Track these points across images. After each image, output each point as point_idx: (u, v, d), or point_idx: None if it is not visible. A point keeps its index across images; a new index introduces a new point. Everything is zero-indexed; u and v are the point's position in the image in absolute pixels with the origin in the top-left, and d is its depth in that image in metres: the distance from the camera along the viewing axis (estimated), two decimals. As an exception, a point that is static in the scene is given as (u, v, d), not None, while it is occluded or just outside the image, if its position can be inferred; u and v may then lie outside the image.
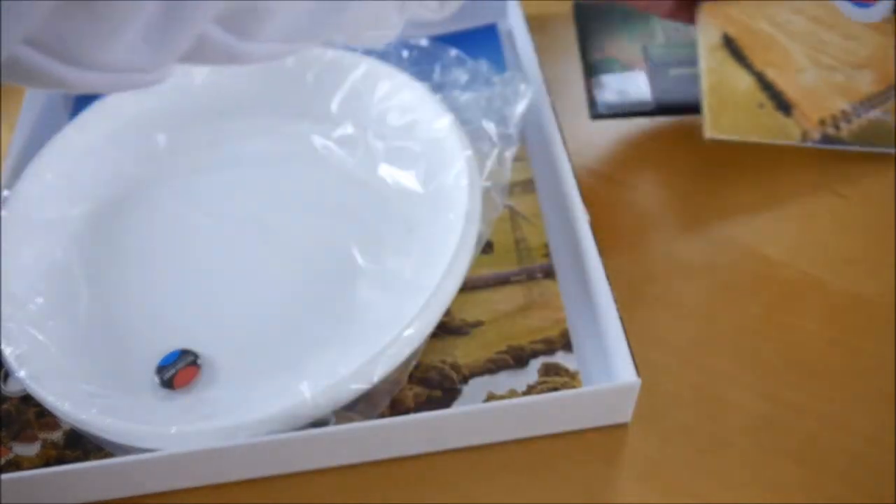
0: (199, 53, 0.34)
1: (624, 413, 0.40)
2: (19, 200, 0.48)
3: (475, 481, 0.40)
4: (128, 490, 0.40)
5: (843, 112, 0.50)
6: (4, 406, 0.43)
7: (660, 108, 0.55)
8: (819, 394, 0.41)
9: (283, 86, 0.55)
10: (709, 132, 0.50)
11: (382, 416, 0.41)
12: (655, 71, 0.57)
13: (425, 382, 0.42)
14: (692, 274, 0.47)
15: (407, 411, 0.41)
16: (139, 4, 0.30)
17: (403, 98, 0.52)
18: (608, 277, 0.42)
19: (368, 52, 0.54)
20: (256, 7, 0.34)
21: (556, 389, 0.41)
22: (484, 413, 0.39)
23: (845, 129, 0.50)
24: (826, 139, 0.50)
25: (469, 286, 0.46)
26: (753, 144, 0.50)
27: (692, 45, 0.53)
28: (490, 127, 0.50)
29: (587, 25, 0.61)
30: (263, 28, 0.36)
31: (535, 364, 0.42)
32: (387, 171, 0.50)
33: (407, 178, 0.49)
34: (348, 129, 0.53)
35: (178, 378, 0.42)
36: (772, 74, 0.51)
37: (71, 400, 0.40)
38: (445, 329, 0.44)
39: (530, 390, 0.41)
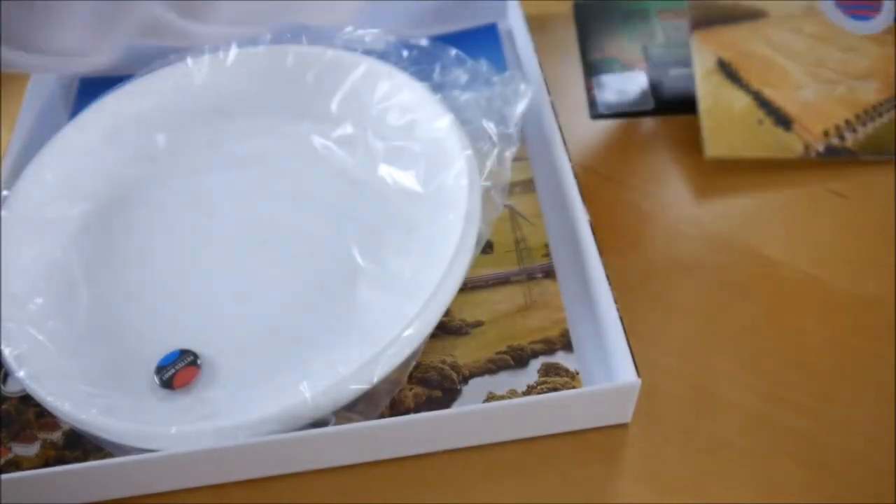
0: (152, 32, 0.34)
1: (624, 413, 0.40)
2: (19, 200, 0.48)
3: (475, 481, 0.40)
4: (127, 490, 0.40)
5: (847, 122, 0.50)
6: (4, 406, 0.43)
7: (660, 108, 0.55)
8: (819, 394, 0.41)
9: (283, 86, 0.55)
10: (709, 152, 0.50)
11: (382, 416, 0.41)
12: (655, 71, 0.57)
13: (425, 382, 0.42)
14: (692, 274, 0.47)
15: (407, 411, 0.41)
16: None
17: (403, 98, 0.52)
18: (608, 277, 0.42)
19: (368, 52, 0.54)
20: None
21: (556, 389, 0.41)
22: (484, 413, 0.39)
23: (850, 139, 0.50)
24: (831, 150, 0.50)
25: (469, 286, 0.46)
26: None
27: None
28: (490, 127, 0.50)
29: (587, 25, 0.61)
30: (214, 11, 0.35)
31: (535, 364, 0.42)
32: (387, 171, 0.50)
33: (407, 178, 0.49)
34: (348, 129, 0.53)
35: (177, 378, 0.42)
36: (769, 93, 0.51)
37: (70, 400, 0.40)
38: (445, 329, 0.44)
39: (530, 390, 0.41)
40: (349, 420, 0.40)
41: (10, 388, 0.44)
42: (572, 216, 0.47)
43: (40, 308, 0.45)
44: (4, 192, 0.49)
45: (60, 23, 0.30)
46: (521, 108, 0.51)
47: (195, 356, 0.43)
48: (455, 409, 0.41)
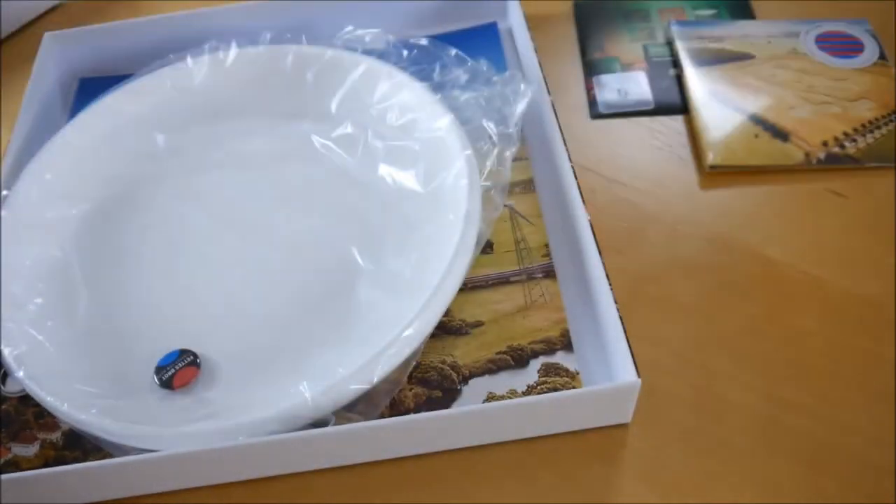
0: None
1: (624, 413, 0.40)
2: (19, 200, 0.48)
3: (475, 481, 0.40)
4: (127, 490, 0.40)
5: (846, 134, 0.50)
6: (3, 406, 0.43)
7: (660, 108, 0.55)
8: (819, 394, 0.41)
9: (283, 86, 0.55)
10: (709, 162, 0.50)
11: (382, 416, 0.41)
12: (655, 70, 0.57)
13: (425, 382, 0.42)
14: (692, 274, 0.46)
15: (407, 411, 0.41)
16: None
17: (403, 98, 0.52)
18: (608, 277, 0.42)
19: (368, 52, 0.54)
20: None
21: (556, 389, 0.41)
22: (484, 413, 0.39)
23: (852, 148, 0.50)
24: (832, 158, 0.50)
25: (469, 286, 0.46)
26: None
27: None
28: (490, 126, 0.50)
29: (587, 25, 0.61)
30: None
31: (535, 364, 0.42)
32: (387, 171, 0.50)
33: (407, 178, 0.49)
34: (348, 129, 0.53)
35: (177, 378, 0.42)
36: (763, 113, 0.52)
37: (70, 400, 0.39)
38: (445, 329, 0.44)
39: (530, 390, 0.41)
40: (349, 420, 0.40)
41: (10, 388, 0.44)
42: (572, 216, 0.47)
43: (40, 308, 0.45)
44: (4, 192, 0.49)
45: None
46: (521, 107, 0.51)
47: (195, 356, 0.43)
48: (455, 409, 0.41)
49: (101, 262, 0.48)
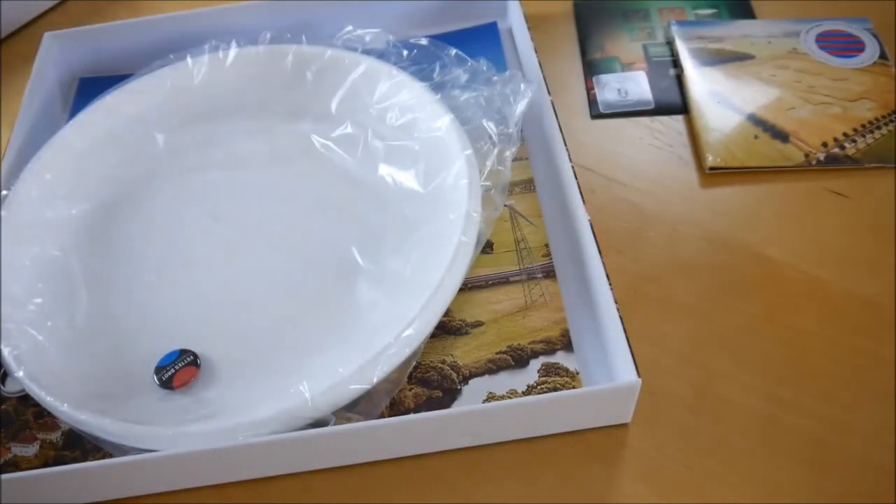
0: None
1: (624, 413, 0.40)
2: (19, 200, 0.48)
3: (475, 481, 0.40)
4: (127, 490, 0.40)
5: (846, 135, 0.50)
6: (3, 406, 0.43)
7: (660, 108, 0.55)
8: (819, 394, 0.41)
9: (282, 86, 0.55)
10: (709, 164, 0.50)
11: (382, 416, 0.41)
12: (655, 70, 0.57)
13: (425, 382, 0.42)
14: (692, 274, 0.46)
15: (407, 411, 0.41)
16: None
17: (403, 97, 0.52)
18: (608, 277, 0.42)
19: (368, 52, 0.54)
20: None
21: (556, 389, 0.41)
22: (484, 413, 0.39)
23: (851, 148, 0.50)
24: (832, 159, 0.50)
25: (469, 286, 0.46)
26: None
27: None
28: (490, 126, 0.50)
29: (587, 25, 0.61)
30: None
31: (535, 364, 0.42)
32: (387, 171, 0.50)
33: (407, 178, 0.49)
34: (348, 129, 0.53)
35: (177, 378, 0.42)
36: (762, 113, 0.52)
37: (69, 400, 0.39)
38: (445, 329, 0.44)
39: (530, 390, 0.41)
40: (349, 420, 0.40)
41: (10, 388, 0.44)
42: (572, 216, 0.47)
43: (39, 308, 0.45)
44: (4, 192, 0.49)
45: None
46: (521, 107, 0.51)
47: (195, 356, 0.43)
48: (455, 409, 0.41)
49: (100, 262, 0.48)
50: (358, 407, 0.40)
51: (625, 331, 0.39)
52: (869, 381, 0.41)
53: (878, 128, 0.51)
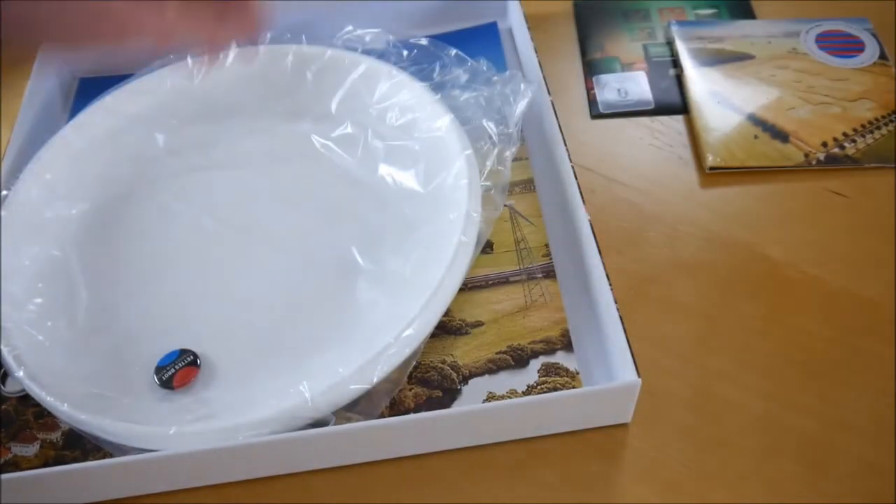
0: None
1: (624, 413, 0.40)
2: (19, 200, 0.48)
3: (475, 481, 0.40)
4: (127, 490, 0.40)
5: (846, 134, 0.50)
6: (3, 406, 0.43)
7: (660, 108, 0.55)
8: (819, 394, 0.41)
9: (283, 86, 0.55)
10: (709, 164, 0.50)
11: (382, 416, 0.41)
12: (655, 70, 0.57)
13: (425, 382, 0.42)
14: (692, 274, 0.46)
15: (407, 411, 0.41)
16: None
17: (403, 97, 0.52)
18: (608, 277, 0.41)
19: (368, 52, 0.54)
20: None
21: (556, 389, 0.41)
22: (484, 413, 0.39)
23: (851, 148, 0.50)
24: (832, 159, 0.50)
25: (469, 286, 0.46)
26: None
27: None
28: (490, 126, 0.50)
29: (587, 25, 0.61)
30: None
31: (535, 364, 0.42)
32: (387, 171, 0.50)
33: (407, 178, 0.49)
34: (348, 129, 0.53)
35: (177, 378, 0.42)
36: (762, 113, 0.52)
37: (70, 400, 0.39)
38: (445, 329, 0.44)
39: (530, 390, 0.41)
40: (349, 420, 0.40)
41: (10, 388, 0.44)
42: (572, 216, 0.47)
43: (39, 308, 0.45)
44: (4, 192, 0.49)
45: None
46: (521, 107, 0.51)
47: (195, 356, 0.43)
48: (455, 409, 0.41)
49: (100, 263, 0.48)
50: (358, 407, 0.40)
51: (625, 331, 0.39)
52: (869, 381, 0.41)
53: (878, 128, 0.51)
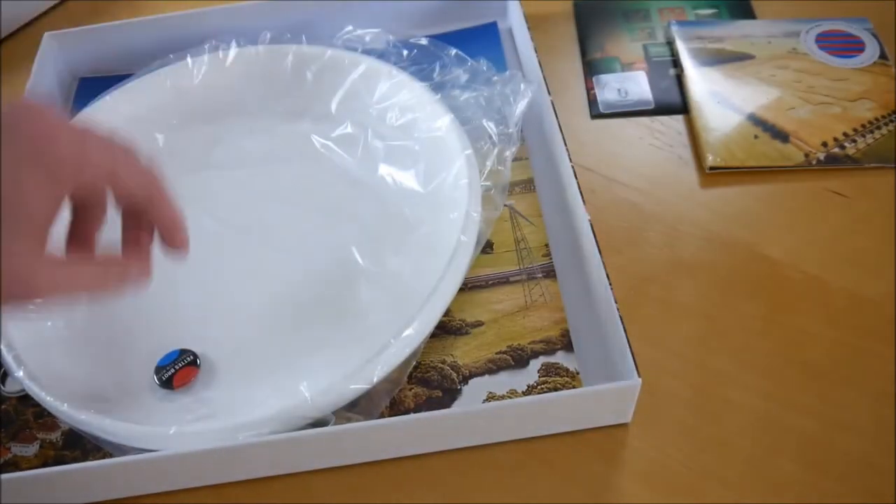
0: None
1: (624, 413, 0.40)
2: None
3: (475, 481, 0.40)
4: (127, 490, 0.40)
5: (846, 134, 0.50)
6: (3, 406, 0.43)
7: (660, 108, 0.55)
8: (819, 394, 0.41)
9: (283, 85, 0.55)
10: (709, 163, 0.50)
11: (382, 416, 0.41)
12: (655, 70, 0.57)
13: (425, 382, 0.42)
14: (692, 274, 0.46)
15: (407, 411, 0.41)
16: None
17: (403, 97, 0.52)
18: (608, 277, 0.41)
19: (368, 52, 0.54)
20: None
21: (556, 389, 0.41)
22: (484, 413, 0.39)
23: (851, 148, 0.50)
24: (832, 159, 0.50)
25: (469, 286, 0.46)
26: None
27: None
28: (490, 126, 0.50)
29: (587, 25, 0.61)
30: None
31: (535, 364, 0.42)
32: (387, 171, 0.50)
33: (407, 178, 0.49)
34: (348, 129, 0.53)
35: (177, 378, 0.42)
36: (762, 113, 0.52)
37: (69, 400, 0.39)
38: (445, 329, 0.44)
39: (530, 390, 0.41)
40: (349, 420, 0.40)
41: (10, 388, 0.44)
42: (572, 216, 0.47)
43: (39, 308, 0.45)
44: (4, 192, 0.48)
45: None
46: (521, 107, 0.51)
47: (195, 356, 0.43)
48: (455, 409, 0.41)
49: (100, 262, 0.48)
50: (358, 407, 0.40)
51: (625, 331, 0.39)
52: (869, 381, 0.41)
53: (878, 128, 0.51)
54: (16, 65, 0.64)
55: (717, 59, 0.56)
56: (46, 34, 0.60)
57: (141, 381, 0.42)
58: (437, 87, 0.53)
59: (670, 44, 0.58)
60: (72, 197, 0.36)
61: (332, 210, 0.49)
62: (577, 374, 0.42)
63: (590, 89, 0.57)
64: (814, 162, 0.50)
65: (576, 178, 0.46)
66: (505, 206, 0.48)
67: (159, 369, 0.42)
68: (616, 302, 0.41)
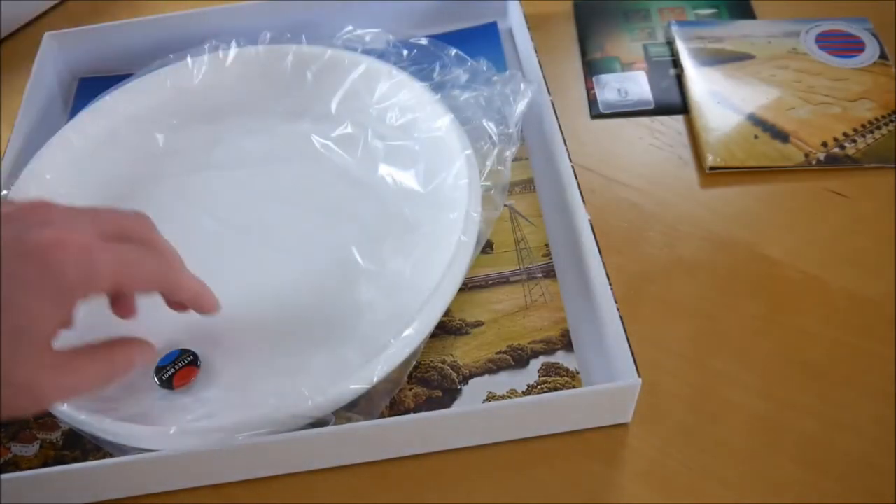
0: None
1: (624, 413, 0.40)
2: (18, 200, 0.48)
3: (475, 481, 0.40)
4: (128, 490, 0.40)
5: (846, 134, 0.50)
6: (4, 406, 0.43)
7: (660, 108, 0.55)
8: (819, 394, 0.41)
9: (283, 86, 0.55)
10: (709, 163, 0.50)
11: (382, 416, 0.41)
12: (655, 70, 0.57)
13: (425, 382, 0.42)
14: (692, 274, 0.46)
15: (407, 411, 0.41)
16: None
17: (403, 97, 0.52)
18: (608, 277, 0.41)
19: (368, 52, 0.54)
20: None
21: (556, 389, 0.41)
22: (484, 413, 0.39)
23: (851, 148, 0.50)
24: (832, 159, 0.50)
25: (469, 286, 0.46)
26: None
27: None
28: (490, 126, 0.50)
29: (587, 25, 0.61)
30: None
31: (535, 364, 0.42)
32: (387, 171, 0.50)
33: (407, 178, 0.49)
34: (348, 129, 0.53)
35: (177, 378, 0.42)
36: (762, 113, 0.52)
37: (70, 400, 0.39)
38: (445, 329, 0.44)
39: (530, 390, 0.41)
40: (349, 420, 0.40)
41: (10, 388, 0.44)
42: (572, 216, 0.47)
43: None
44: (4, 192, 0.49)
45: None
46: (521, 107, 0.51)
47: (195, 356, 0.43)
48: (455, 409, 0.41)
49: (100, 262, 0.48)
50: (358, 407, 0.40)
51: (625, 331, 0.39)
52: (869, 381, 0.41)
53: (878, 128, 0.51)
54: (16, 65, 0.64)
55: (717, 59, 0.56)
56: (46, 34, 0.60)
57: (141, 381, 0.42)
58: (437, 87, 0.53)
59: (670, 44, 0.58)
60: None
61: (332, 210, 0.49)
62: (577, 373, 0.42)
63: (590, 89, 0.57)
64: (814, 162, 0.50)
65: (576, 177, 0.46)
66: (505, 206, 0.48)
67: (159, 369, 0.42)
68: (616, 302, 0.41)
